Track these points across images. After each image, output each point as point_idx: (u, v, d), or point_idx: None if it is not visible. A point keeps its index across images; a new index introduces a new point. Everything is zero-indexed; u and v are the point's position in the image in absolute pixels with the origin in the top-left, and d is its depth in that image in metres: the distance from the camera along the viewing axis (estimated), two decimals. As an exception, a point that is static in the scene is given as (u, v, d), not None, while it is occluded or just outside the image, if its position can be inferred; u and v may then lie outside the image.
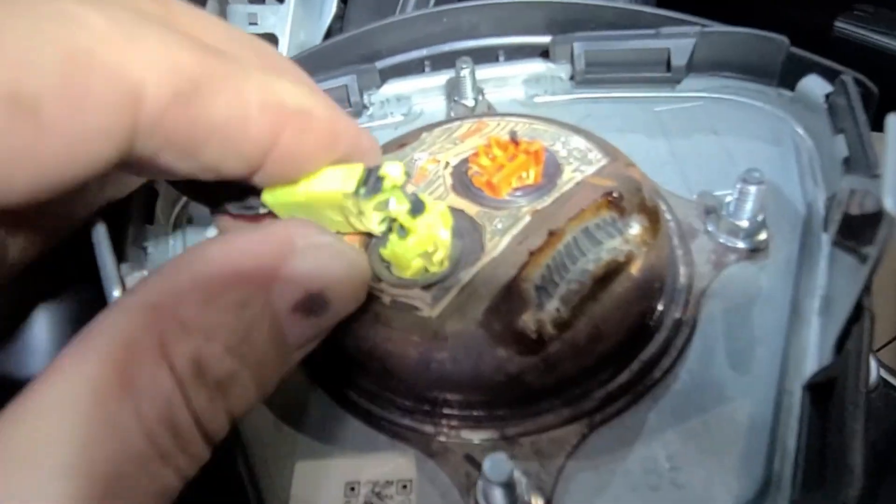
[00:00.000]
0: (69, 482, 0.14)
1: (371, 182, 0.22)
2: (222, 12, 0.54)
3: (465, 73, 0.37)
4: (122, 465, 0.15)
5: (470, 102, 0.38)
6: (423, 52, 0.44)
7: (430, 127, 0.31)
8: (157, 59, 0.17)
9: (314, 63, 0.41)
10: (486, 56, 0.44)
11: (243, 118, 0.19)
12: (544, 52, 0.44)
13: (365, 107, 0.41)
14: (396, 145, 0.29)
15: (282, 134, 0.20)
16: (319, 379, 0.25)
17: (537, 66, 0.43)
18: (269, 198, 0.23)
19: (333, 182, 0.21)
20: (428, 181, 0.27)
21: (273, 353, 0.18)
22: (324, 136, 0.21)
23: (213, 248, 0.18)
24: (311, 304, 0.18)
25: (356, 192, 0.21)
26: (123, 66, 0.16)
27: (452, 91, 0.40)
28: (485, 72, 0.42)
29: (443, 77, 0.42)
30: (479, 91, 0.39)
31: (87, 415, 0.14)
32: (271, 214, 0.23)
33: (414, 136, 0.30)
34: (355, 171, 0.22)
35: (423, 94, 0.42)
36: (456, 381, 0.22)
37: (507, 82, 0.43)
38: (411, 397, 0.23)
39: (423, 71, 0.44)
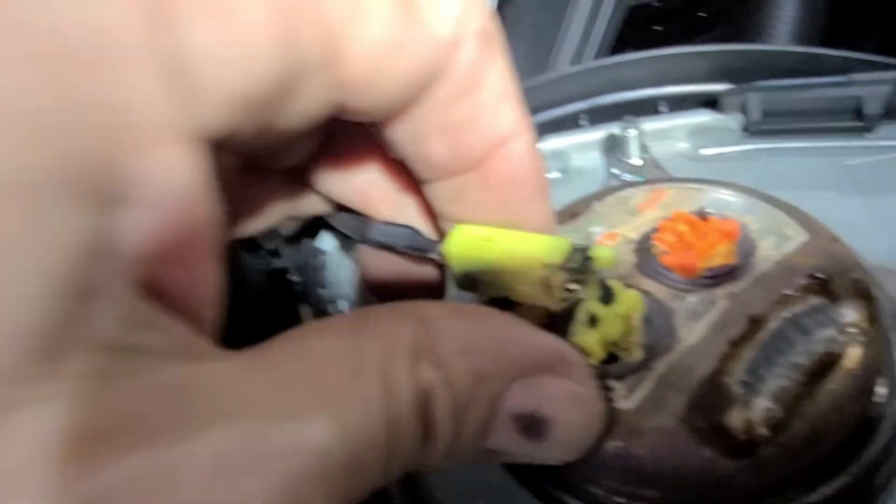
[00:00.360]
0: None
1: (579, 260, 0.20)
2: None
3: (632, 133, 0.36)
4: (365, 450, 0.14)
5: (637, 162, 0.37)
6: (580, 105, 0.43)
7: (600, 195, 0.30)
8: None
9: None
10: (645, 107, 0.43)
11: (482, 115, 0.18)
12: (709, 102, 0.43)
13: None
14: (568, 216, 0.29)
15: (509, 149, 0.18)
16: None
17: (703, 117, 0.42)
18: (455, 246, 0.21)
19: (537, 249, 0.20)
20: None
21: (470, 439, 0.17)
22: (541, 182, 0.20)
23: (495, 319, 0.17)
24: (530, 425, 0.17)
25: (562, 267, 0.20)
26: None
27: (614, 148, 0.39)
28: (645, 124, 0.41)
29: (600, 132, 0.41)
30: (643, 149, 0.38)
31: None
32: (435, 262, 0.22)
33: (584, 205, 0.30)
34: (561, 244, 0.20)
35: (581, 149, 0.42)
36: (654, 480, 0.21)
37: (669, 134, 0.41)
38: (604, 490, 0.22)
39: (577, 124, 0.43)
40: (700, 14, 0.81)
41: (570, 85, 0.42)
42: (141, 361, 0.13)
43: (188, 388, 0.13)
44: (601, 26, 0.57)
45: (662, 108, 0.43)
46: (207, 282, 0.15)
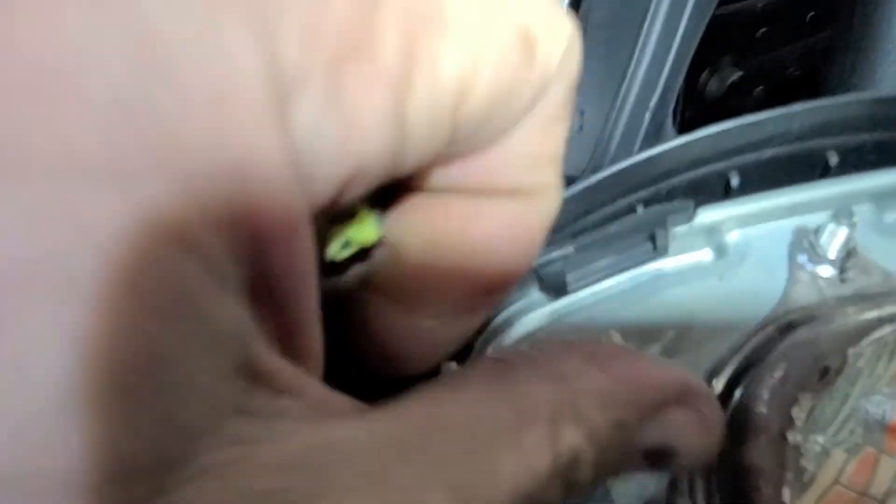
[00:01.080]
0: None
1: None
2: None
3: (840, 231, 0.28)
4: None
5: (832, 254, 0.29)
6: (731, 161, 0.35)
7: (849, 336, 0.22)
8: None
9: (603, 191, 0.34)
10: (810, 161, 0.35)
11: None
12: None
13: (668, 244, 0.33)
14: (815, 371, 0.21)
15: None
16: None
17: (891, 177, 0.33)
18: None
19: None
20: None
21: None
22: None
23: (624, 358, 0.16)
24: (658, 456, 0.16)
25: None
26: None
27: (801, 237, 0.31)
28: (818, 188, 0.33)
29: (763, 200, 0.33)
30: (850, 241, 0.29)
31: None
32: None
33: (831, 353, 0.21)
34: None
35: (741, 222, 0.33)
36: None
37: (854, 199, 0.33)
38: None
39: (729, 187, 0.35)
40: (809, 13, 0.75)
41: (720, 141, 0.34)
42: (278, 427, 0.12)
43: (323, 457, 0.12)
44: (678, 41, 0.50)
45: (833, 159, 0.35)
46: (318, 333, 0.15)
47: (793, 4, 0.76)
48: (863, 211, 0.33)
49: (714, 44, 0.62)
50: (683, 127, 0.53)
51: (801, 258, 0.30)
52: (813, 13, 0.77)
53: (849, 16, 0.57)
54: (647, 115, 0.49)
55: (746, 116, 0.33)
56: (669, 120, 0.51)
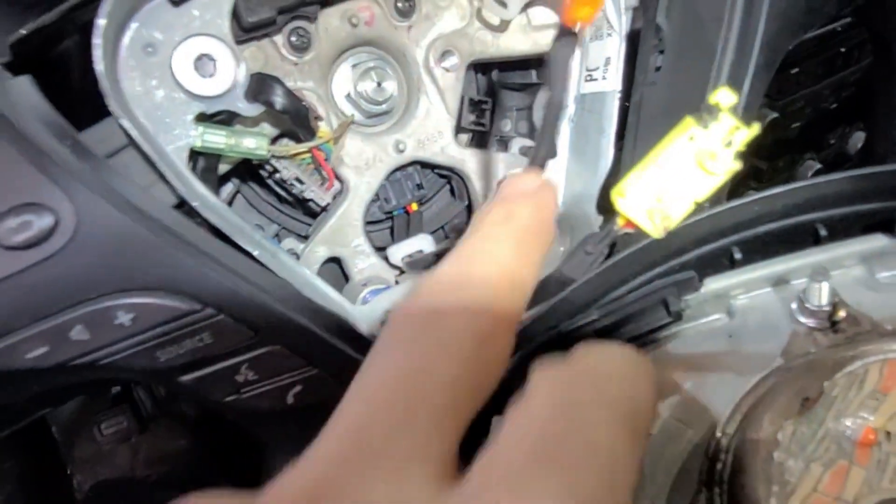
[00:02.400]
0: None
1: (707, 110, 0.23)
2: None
3: (821, 287, 0.34)
4: None
5: (825, 308, 0.34)
6: (733, 238, 0.41)
7: (824, 371, 0.27)
8: None
9: (624, 269, 0.40)
10: (802, 233, 0.40)
11: None
12: (881, 223, 0.39)
13: (683, 311, 0.39)
14: (796, 402, 0.26)
15: None
16: None
17: (877, 241, 0.38)
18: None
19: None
20: (876, 461, 0.23)
21: None
22: None
23: None
24: None
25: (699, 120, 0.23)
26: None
27: (790, 295, 0.36)
28: (810, 255, 0.38)
29: (764, 268, 0.39)
30: (833, 295, 0.34)
31: None
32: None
33: (811, 387, 0.27)
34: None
35: (745, 287, 0.39)
36: None
37: (840, 263, 0.38)
38: None
39: (731, 257, 0.41)
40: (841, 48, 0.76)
41: (720, 220, 0.40)
42: None
43: None
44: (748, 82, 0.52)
45: (822, 231, 0.40)
46: None
47: (824, 42, 0.78)
48: (856, 272, 0.38)
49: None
50: None
51: (797, 314, 0.36)
52: (844, 49, 0.80)
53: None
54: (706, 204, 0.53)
55: (735, 200, 0.40)
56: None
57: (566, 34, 0.28)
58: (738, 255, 0.41)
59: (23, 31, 0.35)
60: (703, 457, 0.31)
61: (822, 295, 0.34)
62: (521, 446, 0.17)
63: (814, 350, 0.34)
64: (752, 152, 0.90)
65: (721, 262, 0.41)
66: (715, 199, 0.49)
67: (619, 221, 0.26)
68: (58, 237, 0.27)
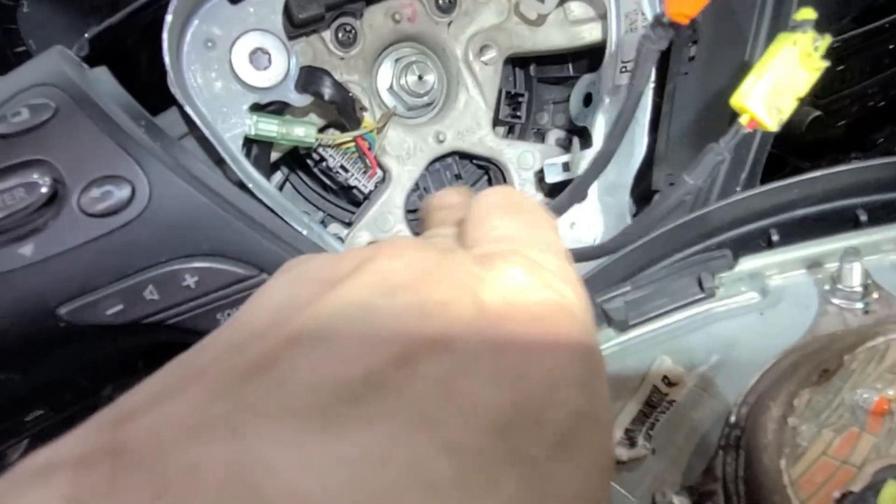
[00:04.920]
0: None
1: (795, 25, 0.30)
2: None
3: (853, 267, 0.34)
4: None
5: (857, 289, 0.35)
6: (771, 220, 0.42)
7: (847, 345, 0.28)
8: None
9: (661, 245, 0.41)
10: (842, 217, 0.41)
11: None
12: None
13: (716, 287, 0.40)
14: (816, 373, 0.27)
15: None
16: None
17: (916, 225, 0.39)
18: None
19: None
20: (887, 429, 0.24)
21: None
22: None
23: None
24: None
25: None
26: None
27: (825, 277, 0.37)
28: (847, 239, 0.39)
29: (800, 250, 0.39)
30: (866, 277, 0.35)
31: None
32: None
33: (833, 358, 0.27)
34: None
35: (780, 268, 0.40)
36: None
37: (879, 248, 0.39)
38: None
39: (770, 241, 0.41)
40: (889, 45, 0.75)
41: (758, 202, 0.41)
42: None
43: None
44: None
45: (863, 216, 0.40)
46: None
47: (871, 38, 0.76)
48: (893, 257, 0.39)
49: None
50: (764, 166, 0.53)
51: (829, 295, 0.36)
52: (893, 45, 0.77)
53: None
54: (739, 188, 0.52)
55: (774, 182, 0.40)
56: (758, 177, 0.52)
57: (663, 26, 0.32)
58: (775, 237, 0.42)
59: (99, 28, 0.39)
60: (724, 424, 0.32)
61: (854, 276, 0.35)
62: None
63: (842, 329, 0.35)
64: (794, 152, 0.89)
65: (758, 242, 0.42)
66: (748, 180, 0.49)
67: (743, 120, 0.30)
68: (134, 206, 0.30)
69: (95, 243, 0.30)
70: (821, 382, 0.27)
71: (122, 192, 0.30)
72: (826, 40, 0.30)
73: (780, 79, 0.29)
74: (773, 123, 0.30)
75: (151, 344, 0.36)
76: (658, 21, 0.34)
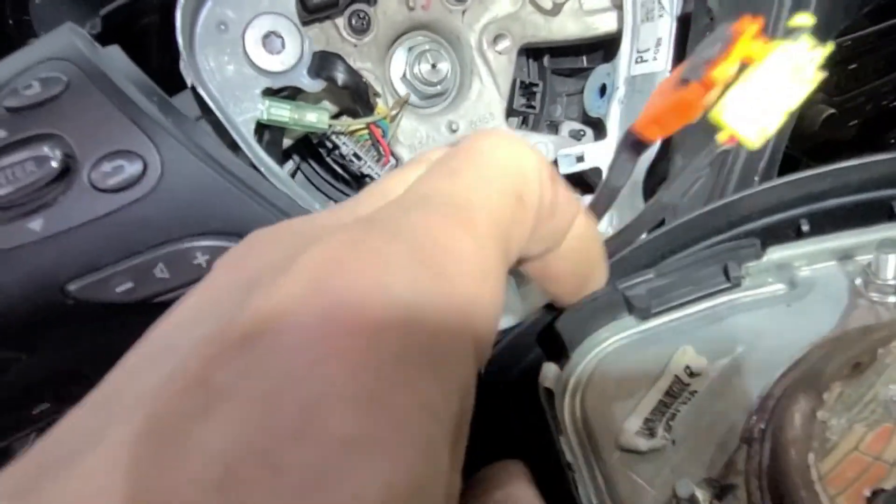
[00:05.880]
0: None
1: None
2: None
3: (889, 259, 0.33)
4: None
5: (892, 281, 0.34)
6: (801, 210, 0.40)
7: (881, 337, 0.27)
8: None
9: (686, 233, 0.40)
10: (875, 209, 0.39)
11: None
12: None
13: (743, 277, 0.39)
14: (847, 366, 0.26)
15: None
16: None
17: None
18: None
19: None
20: None
21: None
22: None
23: None
24: None
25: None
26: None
27: (856, 269, 0.36)
28: (881, 231, 0.38)
29: (831, 241, 0.38)
30: (904, 265, 0.34)
31: None
32: None
33: (866, 351, 0.26)
34: None
35: (809, 259, 0.39)
36: None
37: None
38: None
39: (800, 231, 0.40)
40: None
41: (789, 191, 0.40)
42: None
43: None
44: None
45: (896, 206, 0.39)
46: None
47: (886, 36, 0.76)
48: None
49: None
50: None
51: (861, 287, 0.35)
52: None
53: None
54: (757, 178, 0.52)
55: (806, 171, 0.39)
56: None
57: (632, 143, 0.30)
58: (805, 227, 0.40)
59: (112, 5, 0.38)
60: (747, 416, 0.31)
61: (889, 267, 0.34)
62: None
63: (875, 323, 0.33)
64: (807, 151, 0.88)
65: (787, 232, 0.41)
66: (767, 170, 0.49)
67: (720, 137, 0.27)
68: (145, 182, 0.29)
69: (106, 219, 0.29)
70: (853, 376, 0.26)
71: (134, 168, 0.29)
72: (826, 49, 0.26)
73: (767, 92, 0.26)
74: (755, 140, 0.27)
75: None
76: (628, 137, 0.31)
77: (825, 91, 0.79)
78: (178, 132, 0.31)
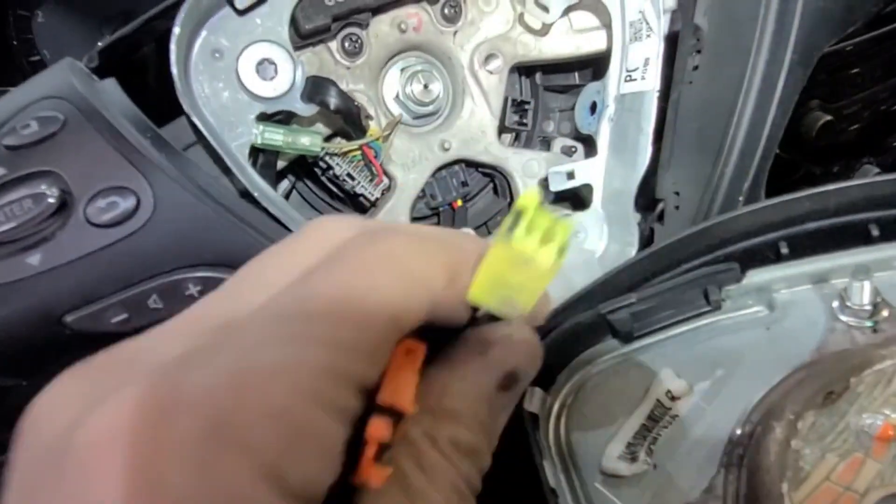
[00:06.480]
0: None
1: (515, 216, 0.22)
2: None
3: (863, 285, 0.34)
4: None
5: (867, 307, 0.34)
6: (781, 233, 0.41)
7: (852, 367, 0.28)
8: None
9: (667, 256, 0.41)
10: (852, 232, 0.40)
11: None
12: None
13: (723, 300, 0.40)
14: (821, 395, 0.27)
15: None
16: None
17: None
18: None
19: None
20: (892, 456, 0.24)
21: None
22: None
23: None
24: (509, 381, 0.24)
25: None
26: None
27: (833, 293, 0.36)
28: (859, 254, 0.38)
29: (809, 264, 0.39)
30: (876, 295, 0.34)
31: None
32: None
33: (839, 380, 0.27)
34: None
35: (787, 282, 0.39)
36: None
37: (890, 264, 0.38)
38: None
39: (779, 254, 0.41)
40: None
41: (768, 214, 0.41)
42: None
43: None
44: (768, 128, 0.52)
45: (874, 231, 0.40)
46: None
47: (883, 42, 0.74)
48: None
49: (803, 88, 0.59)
50: (775, 167, 0.52)
51: (838, 311, 0.36)
52: None
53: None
54: (741, 199, 0.52)
55: (784, 195, 0.40)
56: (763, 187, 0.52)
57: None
58: (784, 250, 0.41)
59: (109, 40, 0.40)
60: (726, 441, 0.31)
61: (864, 293, 0.34)
62: None
63: (850, 348, 0.34)
64: (806, 157, 0.88)
65: (766, 255, 0.41)
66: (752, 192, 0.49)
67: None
68: (139, 217, 0.30)
69: (101, 253, 0.30)
70: (826, 405, 0.27)
71: (127, 203, 0.30)
72: (568, 227, 0.22)
73: (505, 280, 0.23)
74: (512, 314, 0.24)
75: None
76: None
77: (821, 98, 0.80)
78: (169, 167, 0.32)
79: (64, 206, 0.30)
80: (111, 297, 0.30)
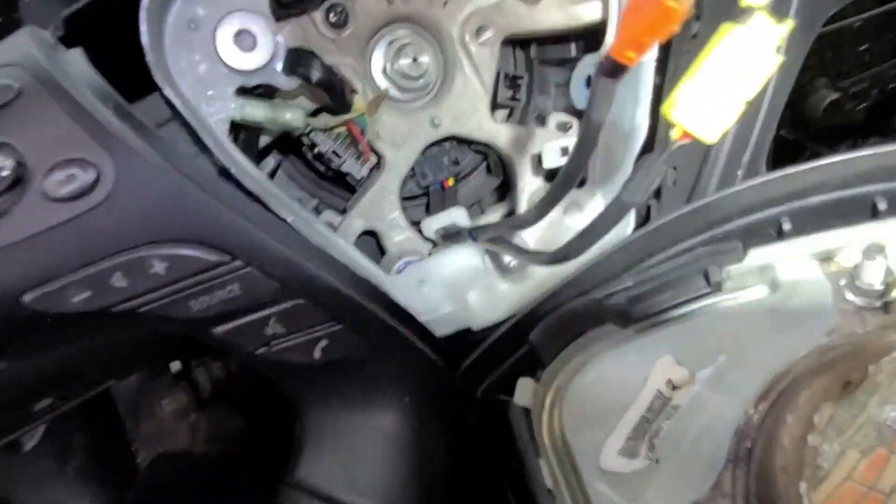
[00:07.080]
0: None
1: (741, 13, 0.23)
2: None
3: (876, 264, 0.32)
4: None
5: (878, 287, 0.32)
6: (783, 207, 0.39)
7: (869, 354, 0.25)
8: None
9: (663, 235, 0.39)
10: (857, 206, 0.38)
11: None
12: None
13: (723, 282, 0.38)
14: (838, 384, 0.25)
15: None
16: None
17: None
18: None
19: None
20: None
21: None
22: None
23: None
24: None
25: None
26: None
27: (840, 271, 0.34)
28: (865, 229, 0.36)
29: (813, 240, 0.37)
30: (888, 274, 0.32)
31: None
32: None
33: (854, 370, 0.25)
34: None
35: (790, 260, 0.37)
36: None
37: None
38: None
39: (781, 231, 0.39)
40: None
41: (769, 189, 0.38)
42: None
43: None
44: (768, 98, 0.50)
45: (882, 204, 0.37)
46: None
47: (893, 17, 0.74)
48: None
49: (809, 66, 0.59)
50: (781, 149, 0.51)
51: (846, 292, 0.34)
52: None
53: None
54: (741, 172, 0.51)
55: (786, 168, 0.38)
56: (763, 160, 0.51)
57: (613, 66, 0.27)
58: (786, 226, 0.39)
59: (75, 6, 0.38)
60: (733, 433, 0.29)
61: (876, 273, 0.32)
62: None
63: (861, 331, 0.32)
64: (812, 137, 0.86)
65: (768, 232, 0.39)
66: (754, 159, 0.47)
67: (674, 134, 0.25)
68: (99, 191, 0.29)
69: (60, 228, 0.29)
70: (843, 396, 0.25)
71: (87, 176, 0.28)
72: (787, 26, 0.24)
73: (720, 81, 0.24)
74: (710, 136, 0.25)
75: (163, 339, 0.35)
76: (605, 63, 0.29)
77: (828, 76, 0.77)
78: (134, 139, 0.30)
79: (19, 179, 0.28)
80: (72, 275, 0.29)
